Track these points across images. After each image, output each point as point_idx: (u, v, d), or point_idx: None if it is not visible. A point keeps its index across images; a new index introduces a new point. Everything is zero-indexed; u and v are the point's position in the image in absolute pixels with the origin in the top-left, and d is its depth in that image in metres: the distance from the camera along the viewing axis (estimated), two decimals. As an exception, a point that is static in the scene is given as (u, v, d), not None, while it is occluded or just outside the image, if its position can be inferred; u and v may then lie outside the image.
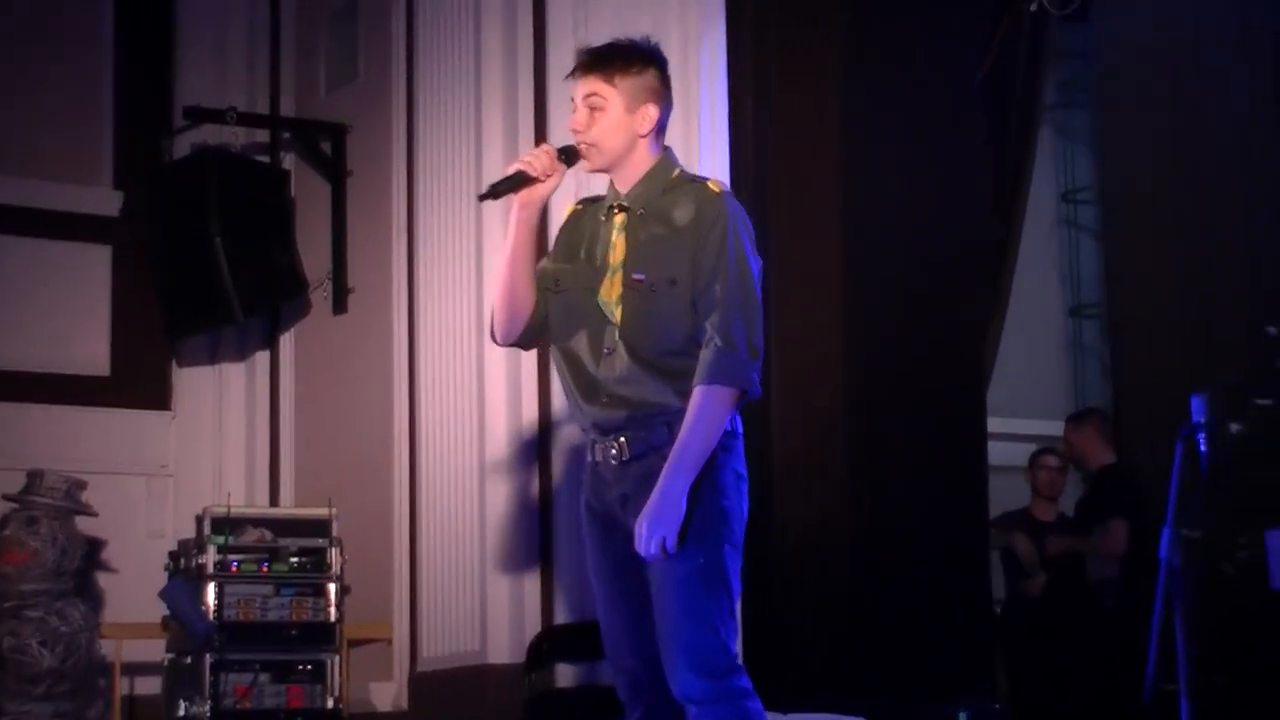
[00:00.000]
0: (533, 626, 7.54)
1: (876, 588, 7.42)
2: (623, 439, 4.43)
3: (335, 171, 9.27)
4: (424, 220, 8.24)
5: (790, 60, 7.75)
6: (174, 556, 8.37)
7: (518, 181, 4.48)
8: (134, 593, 8.78)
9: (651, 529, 4.25)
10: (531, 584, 7.60)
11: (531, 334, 4.65)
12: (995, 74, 8.77)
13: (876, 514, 7.48)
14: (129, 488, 9.36)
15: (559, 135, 7.60)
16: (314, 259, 9.22)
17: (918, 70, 7.90)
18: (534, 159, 4.49)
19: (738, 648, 4.39)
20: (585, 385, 4.51)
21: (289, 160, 9.61)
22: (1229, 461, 7.78)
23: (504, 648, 7.59)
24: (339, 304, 9.19)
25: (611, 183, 4.58)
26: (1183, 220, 9.24)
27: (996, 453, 8.52)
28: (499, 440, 7.74)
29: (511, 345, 4.71)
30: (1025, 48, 9.11)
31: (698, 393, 4.31)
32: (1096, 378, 11.49)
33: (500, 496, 7.70)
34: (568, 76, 4.54)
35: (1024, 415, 10.35)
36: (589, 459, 4.55)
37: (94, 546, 8.79)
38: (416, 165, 8.36)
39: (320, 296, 9.28)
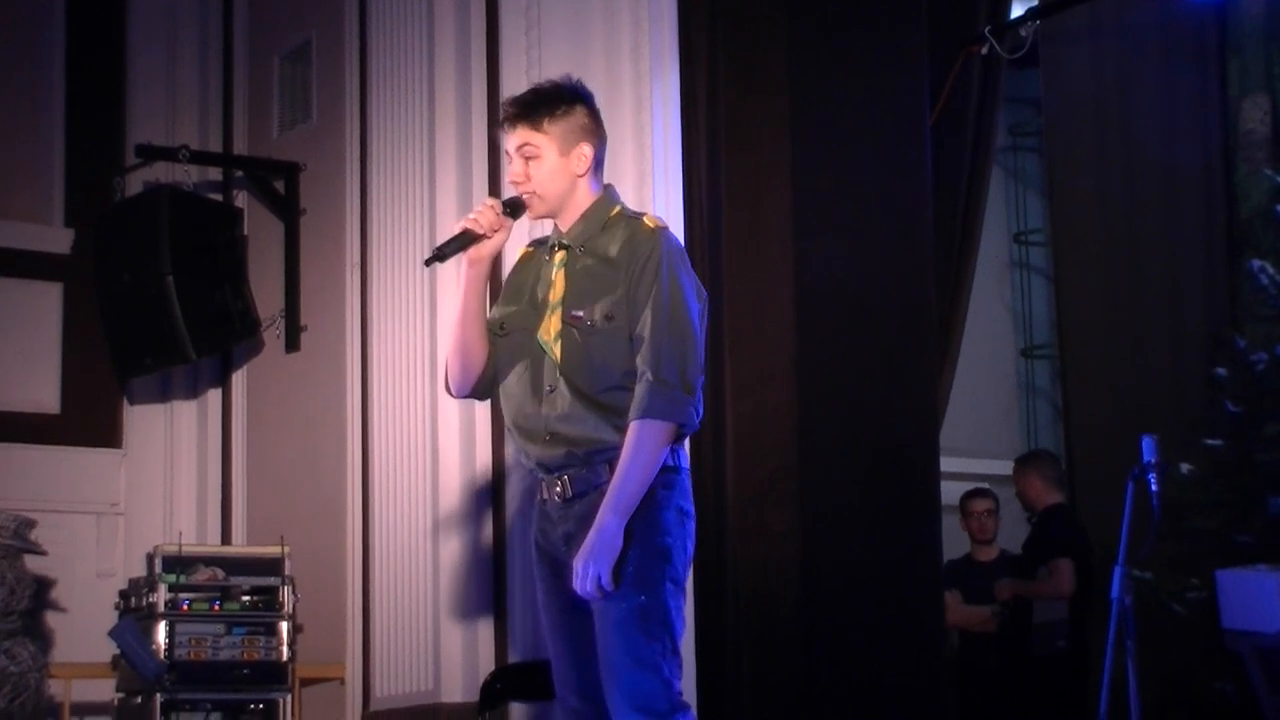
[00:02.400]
0: (486, 665, 7.51)
1: (829, 629, 7.42)
2: (565, 477, 4.46)
3: (288, 210, 9.26)
4: (376, 259, 8.23)
5: (741, 107, 7.78)
6: (124, 595, 8.31)
7: (465, 241, 4.52)
8: (84, 632, 8.74)
9: (586, 566, 4.26)
10: (485, 623, 7.58)
11: (486, 386, 4.70)
12: (946, 117, 8.83)
13: (829, 555, 7.49)
14: (79, 526, 9.31)
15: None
16: (266, 297, 9.21)
17: (868, 115, 7.94)
18: (479, 216, 4.52)
19: (681, 685, 4.39)
20: (527, 424, 4.54)
21: (241, 199, 9.59)
22: (1180, 502, 7.85)
23: (457, 687, 7.56)
24: (291, 342, 9.17)
25: (555, 223, 4.62)
26: (1132, 262, 9.32)
27: (949, 492, 8.54)
28: (453, 478, 7.72)
29: (466, 397, 4.75)
30: (976, 91, 9.17)
31: (631, 428, 4.33)
32: (1048, 418, 11.56)
33: (454, 535, 7.69)
34: (497, 128, 4.62)
35: (976, 455, 10.40)
36: (537, 497, 4.57)
37: (43, 585, 8.73)
38: (369, 204, 8.36)
39: (273, 335, 9.26)
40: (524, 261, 4.74)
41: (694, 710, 4.42)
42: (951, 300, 8.84)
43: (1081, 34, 9.57)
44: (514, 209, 4.55)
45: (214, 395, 9.61)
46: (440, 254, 4.55)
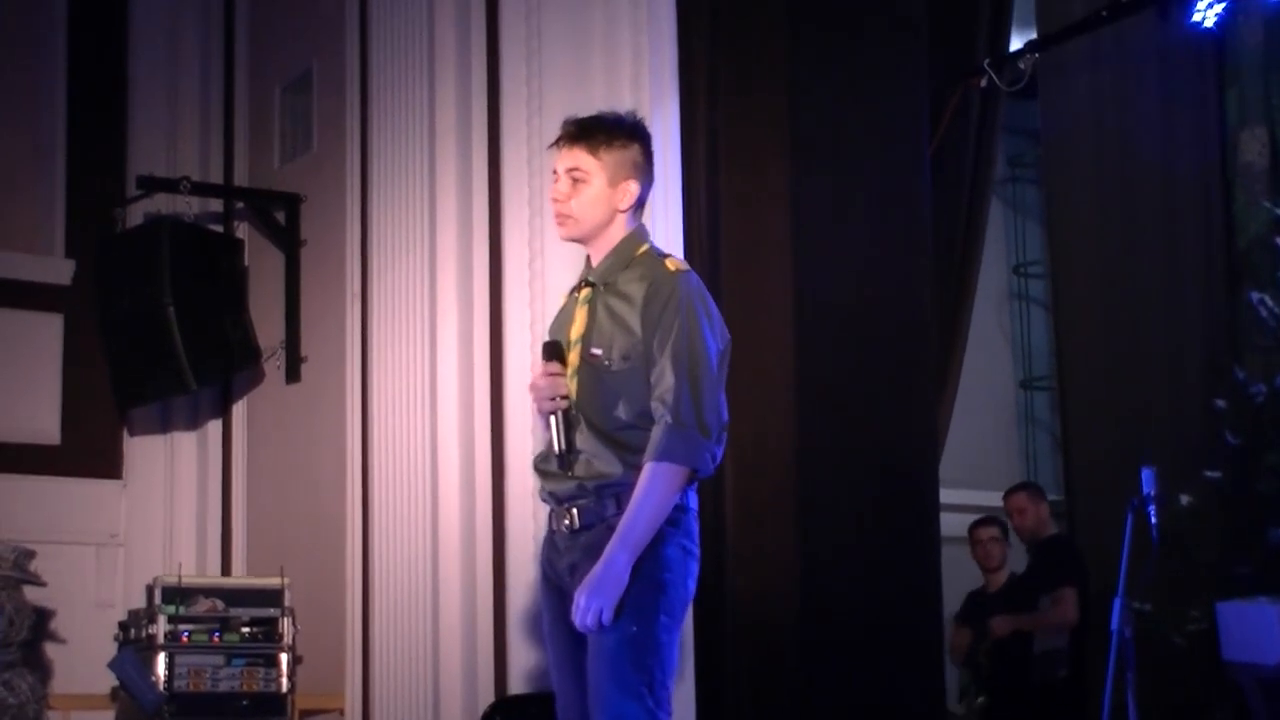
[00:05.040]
0: (485, 697, 7.50)
1: (828, 657, 7.42)
2: (575, 509, 4.47)
3: (289, 241, 9.27)
4: (377, 290, 8.24)
5: (741, 134, 7.80)
6: (124, 626, 8.32)
7: (568, 416, 4.49)
8: (83, 663, 8.73)
9: (589, 600, 4.26)
10: (484, 654, 7.57)
11: None
12: (945, 148, 8.85)
13: (828, 584, 7.48)
14: (79, 557, 9.30)
15: (512, 206, 7.68)
16: (267, 328, 9.22)
17: (868, 146, 7.96)
18: (550, 391, 4.50)
19: (668, 717, 4.37)
20: (544, 456, 4.58)
21: (242, 229, 9.61)
22: (1179, 533, 7.84)
23: (456, 718, 7.56)
24: (292, 373, 9.18)
25: (588, 257, 4.62)
26: (1131, 293, 9.33)
27: (948, 524, 8.54)
28: (452, 509, 7.72)
29: None
30: (975, 123, 9.20)
31: (646, 470, 4.33)
32: (1047, 449, 11.56)
33: (453, 566, 7.68)
34: (551, 145, 4.58)
35: (976, 487, 10.39)
36: (548, 527, 4.59)
37: (43, 616, 8.73)
38: (370, 235, 8.36)
39: (273, 366, 9.27)
40: (570, 298, 4.76)
41: None
42: (951, 330, 8.86)
43: (1080, 66, 9.60)
44: (554, 352, 4.56)
45: (214, 426, 9.61)
46: (569, 444, 4.49)
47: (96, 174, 9.73)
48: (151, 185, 9.23)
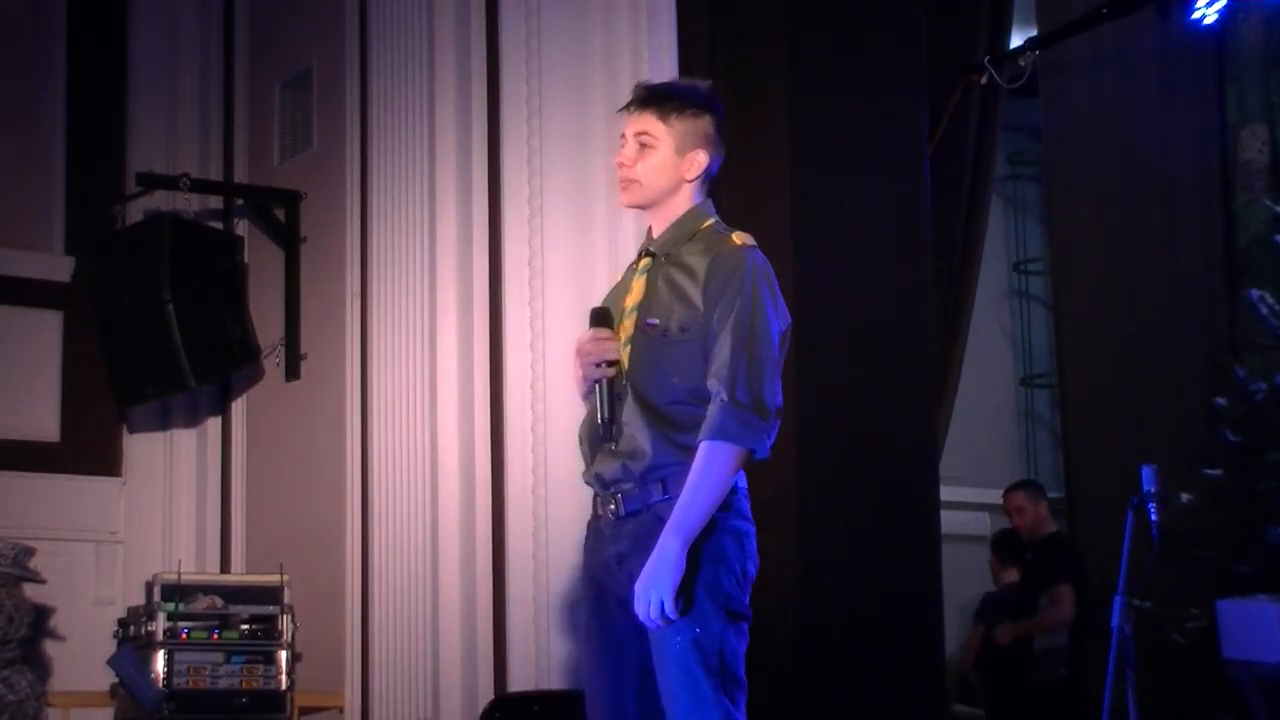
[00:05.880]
0: (485, 695, 7.50)
1: (828, 655, 7.41)
2: (619, 494, 4.32)
3: (288, 238, 9.27)
4: (377, 287, 8.24)
5: (741, 135, 7.77)
6: (123, 624, 8.32)
7: (614, 384, 4.35)
8: (82, 660, 8.73)
9: (646, 591, 4.10)
10: (484, 652, 7.57)
11: None
12: (946, 146, 8.85)
13: (827, 586, 7.48)
14: (78, 554, 9.30)
15: (512, 204, 7.68)
16: (267, 325, 9.22)
17: (868, 144, 7.95)
18: (591, 360, 4.37)
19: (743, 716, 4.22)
20: (590, 432, 4.42)
21: (242, 227, 9.61)
22: (1180, 531, 7.84)
23: (456, 716, 7.56)
24: (291, 370, 9.18)
25: (650, 228, 4.50)
26: (1131, 291, 9.33)
27: (949, 521, 8.54)
28: (452, 506, 7.72)
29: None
30: (975, 121, 9.21)
31: (701, 449, 4.16)
32: (1047, 447, 11.57)
33: (453, 563, 7.68)
34: (621, 109, 4.46)
35: (976, 484, 10.40)
36: (591, 514, 4.45)
37: (42, 614, 8.72)
38: (370, 232, 8.36)
39: (273, 363, 9.26)
40: (629, 268, 4.61)
41: None
42: (951, 328, 8.86)
43: (1080, 64, 9.61)
44: (602, 318, 4.43)
45: (214, 424, 9.61)
46: (612, 415, 4.34)
47: (96, 171, 9.72)
48: (151, 182, 9.23)
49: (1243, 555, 8.22)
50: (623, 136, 4.45)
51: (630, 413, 4.31)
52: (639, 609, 4.11)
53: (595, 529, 4.42)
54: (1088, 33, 9.28)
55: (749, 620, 4.29)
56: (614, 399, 4.34)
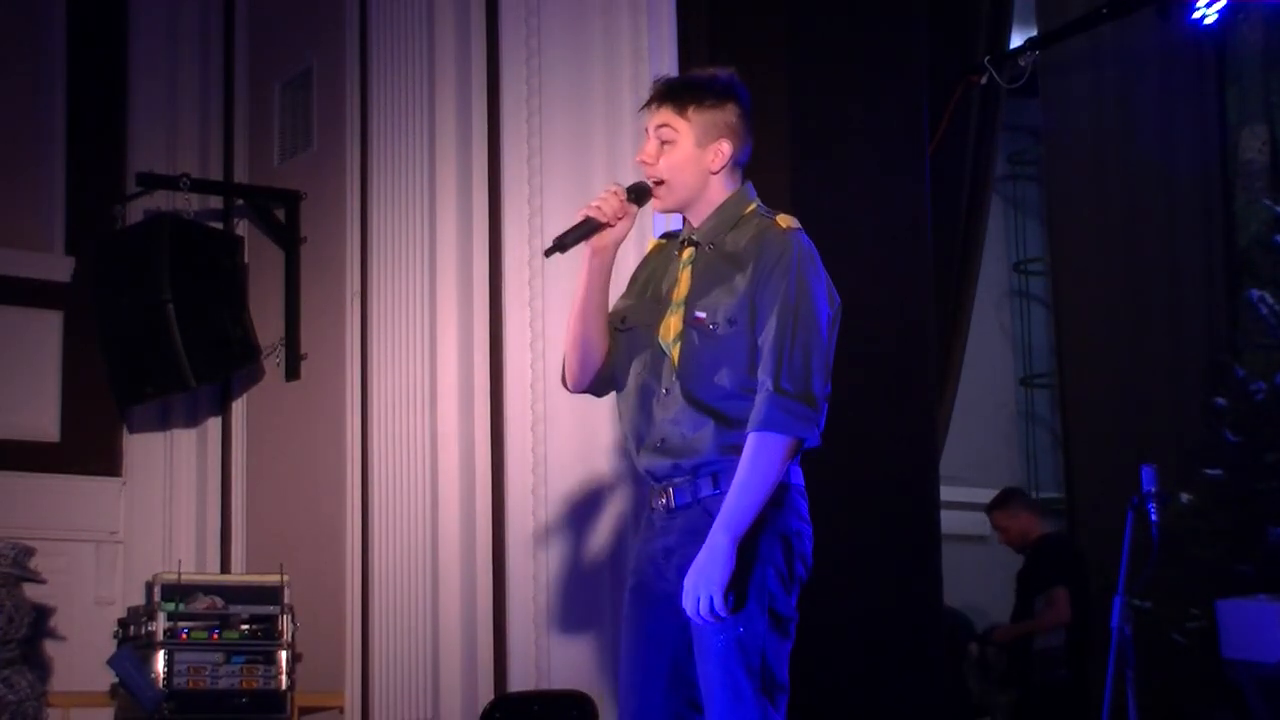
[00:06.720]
0: (485, 695, 7.50)
1: (827, 657, 7.39)
2: (670, 489, 4.28)
3: (288, 238, 9.26)
4: (377, 287, 8.24)
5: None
6: (123, 624, 8.31)
7: (588, 229, 4.33)
8: (82, 660, 8.72)
9: (695, 587, 4.04)
10: (484, 651, 7.57)
11: (603, 382, 4.51)
12: (946, 146, 8.85)
13: (827, 585, 7.45)
14: (78, 554, 9.29)
15: (512, 204, 7.68)
16: (267, 325, 9.21)
17: (868, 143, 7.95)
18: (603, 203, 4.32)
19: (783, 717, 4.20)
20: (638, 428, 4.37)
21: (242, 227, 9.60)
22: (1180, 531, 7.84)
23: (456, 716, 7.56)
24: (292, 370, 9.17)
25: (686, 218, 4.45)
26: (1131, 291, 9.33)
27: (949, 521, 8.54)
28: (452, 507, 7.72)
29: (583, 392, 4.54)
30: (975, 120, 9.20)
31: (749, 441, 4.10)
32: (1047, 447, 11.57)
33: (453, 562, 7.68)
34: (642, 108, 4.41)
35: (976, 484, 10.40)
36: (647, 507, 4.42)
37: (42, 614, 8.72)
38: (370, 232, 8.36)
39: (273, 363, 9.26)
40: (653, 253, 4.55)
41: None
42: (951, 328, 8.86)
43: (1080, 63, 9.62)
44: (639, 195, 4.35)
45: (214, 424, 9.60)
46: (561, 244, 4.32)
47: (96, 171, 9.71)
48: (151, 182, 9.22)
49: (1243, 555, 8.22)
50: (645, 132, 4.40)
51: (680, 409, 4.26)
52: (687, 604, 4.06)
53: (648, 521, 4.39)
54: (1088, 33, 9.28)
55: (795, 621, 4.26)
56: (582, 235, 4.32)
